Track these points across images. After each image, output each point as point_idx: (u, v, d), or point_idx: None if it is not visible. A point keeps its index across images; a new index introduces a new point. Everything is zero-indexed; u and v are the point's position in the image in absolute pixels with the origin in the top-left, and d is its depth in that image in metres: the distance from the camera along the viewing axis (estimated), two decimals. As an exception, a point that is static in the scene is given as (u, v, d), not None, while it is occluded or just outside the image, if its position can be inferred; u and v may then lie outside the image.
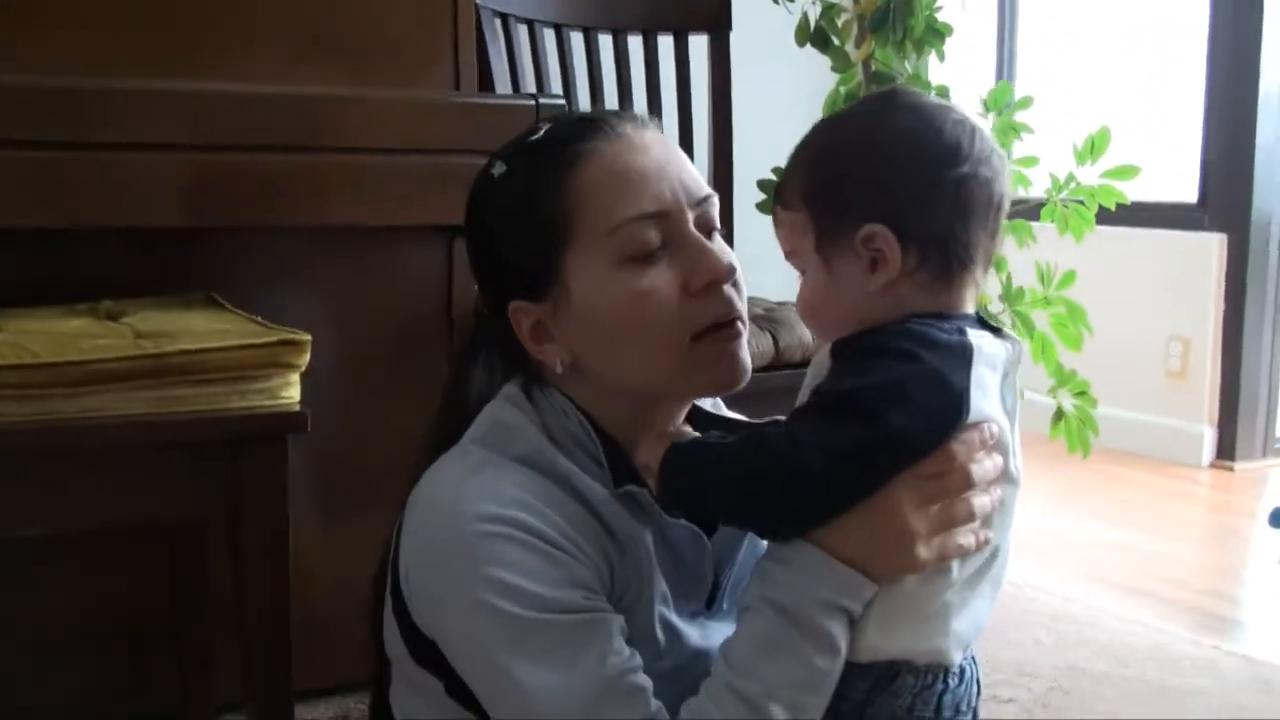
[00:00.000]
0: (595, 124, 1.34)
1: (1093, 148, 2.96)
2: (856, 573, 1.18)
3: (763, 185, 3.02)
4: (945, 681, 1.25)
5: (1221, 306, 4.62)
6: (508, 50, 2.81)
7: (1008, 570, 1.34)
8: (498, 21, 2.77)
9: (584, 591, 1.23)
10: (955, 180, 1.21)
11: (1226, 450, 4.63)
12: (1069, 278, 2.99)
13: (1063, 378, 3.05)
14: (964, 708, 1.28)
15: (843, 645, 1.19)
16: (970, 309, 1.28)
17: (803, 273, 1.29)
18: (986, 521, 1.25)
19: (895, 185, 1.21)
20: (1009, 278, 2.99)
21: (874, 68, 2.93)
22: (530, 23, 2.85)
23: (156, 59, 2.26)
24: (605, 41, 2.94)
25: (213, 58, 2.29)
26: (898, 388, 1.16)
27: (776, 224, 1.31)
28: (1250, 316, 4.56)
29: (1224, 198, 4.60)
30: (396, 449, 1.50)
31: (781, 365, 2.34)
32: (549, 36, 2.89)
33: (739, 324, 1.33)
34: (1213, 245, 4.60)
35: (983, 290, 1.31)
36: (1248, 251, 4.54)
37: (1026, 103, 3.04)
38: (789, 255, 1.30)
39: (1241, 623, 3.07)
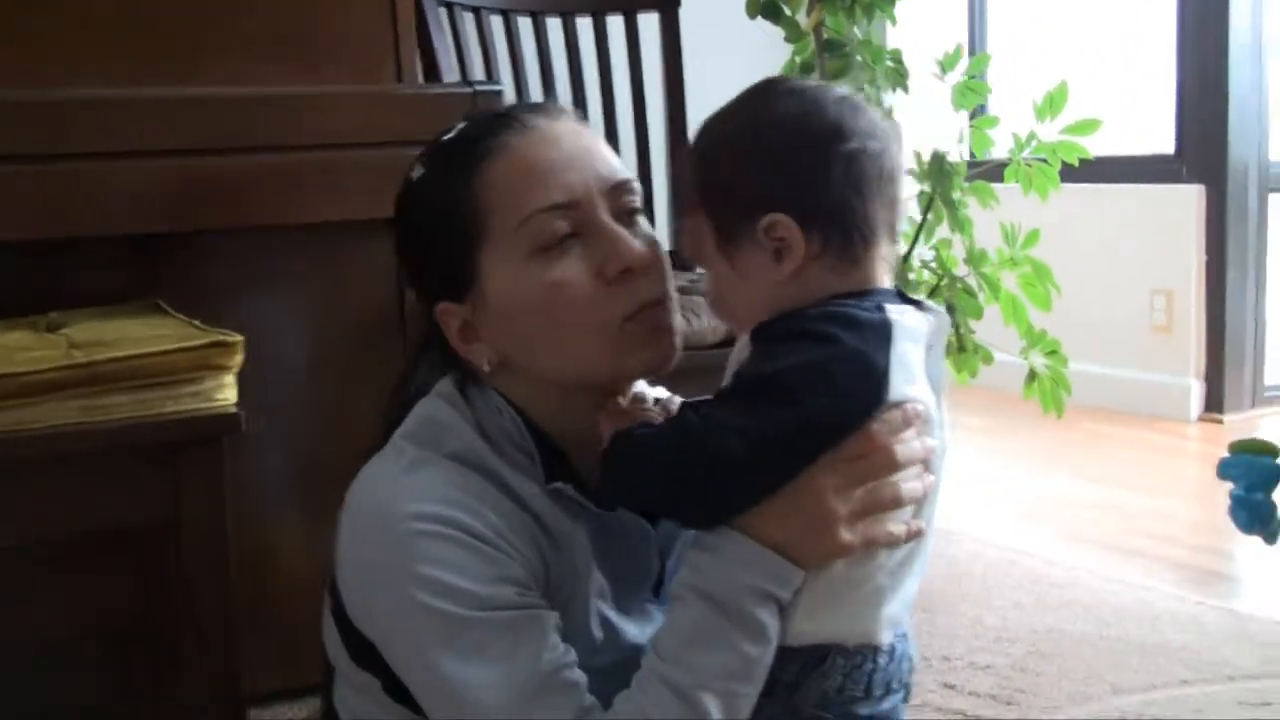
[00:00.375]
0: (505, 119, 1.34)
1: (1051, 104, 2.93)
2: (783, 559, 1.17)
3: (721, 160, 3.01)
4: (875, 660, 1.24)
5: (1203, 258, 4.59)
6: (455, 40, 2.79)
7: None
8: (443, 11, 2.75)
9: (517, 588, 1.23)
10: (845, 156, 1.20)
11: (1215, 403, 4.61)
12: (1033, 236, 2.98)
13: (1033, 338, 3.03)
14: (895, 685, 1.26)
15: (772, 632, 1.18)
16: (886, 283, 1.26)
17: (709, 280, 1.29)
18: (918, 510, 1.23)
19: (786, 171, 1.21)
20: (971, 240, 2.96)
21: (825, 35, 2.90)
22: (477, 10, 2.83)
23: (103, 67, 2.25)
24: (554, 25, 2.92)
25: (160, 63, 2.28)
26: (816, 369, 1.15)
27: (679, 232, 1.32)
28: (1232, 266, 4.53)
29: (1200, 148, 4.57)
30: (366, 445, 1.48)
31: (726, 344, 2.31)
32: (497, 23, 2.87)
33: (665, 304, 1.32)
34: (1191, 196, 4.57)
35: (894, 263, 1.29)
36: (1226, 201, 4.51)
37: (982, 63, 3.01)
38: (696, 261, 1.29)
39: (1231, 577, 3.05)
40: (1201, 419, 4.61)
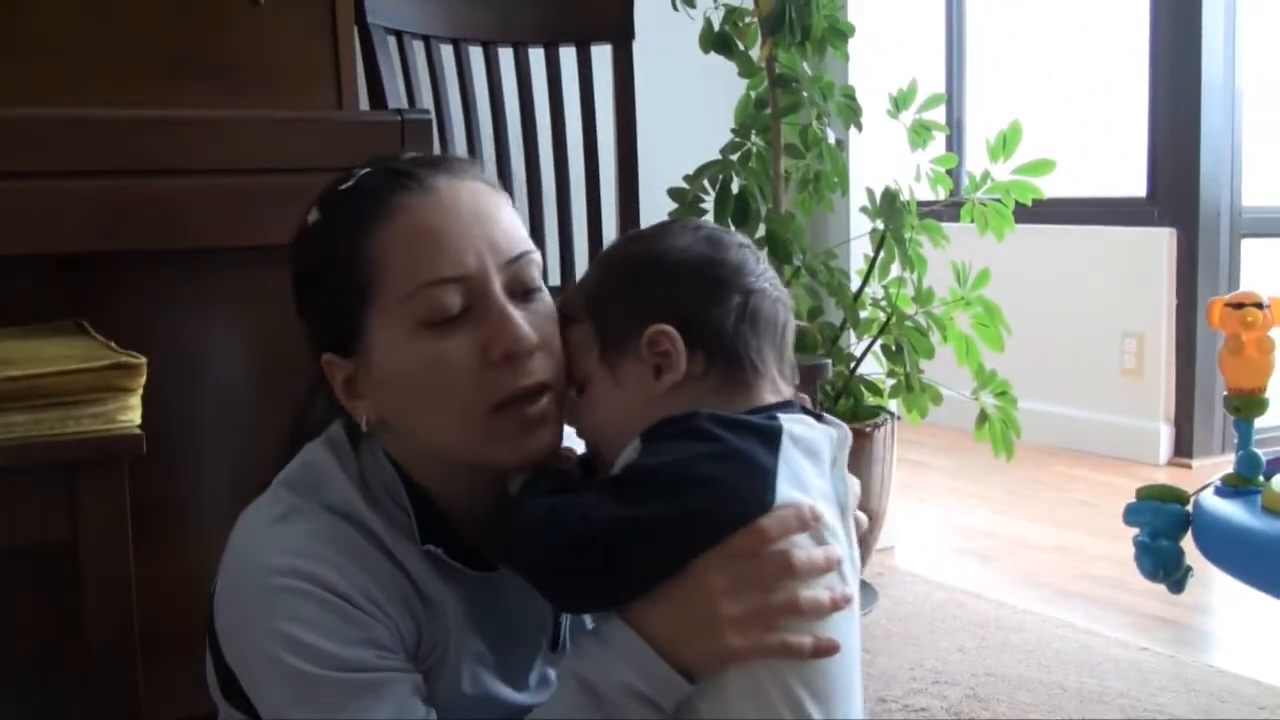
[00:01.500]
0: (404, 177, 1.29)
1: (1005, 143, 2.92)
2: (665, 664, 1.13)
3: (673, 193, 3.00)
4: None
5: (1174, 301, 4.58)
6: (404, 70, 2.78)
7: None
8: (391, 40, 2.74)
9: (377, 651, 1.21)
10: (743, 289, 1.23)
11: (1184, 447, 4.58)
12: (983, 277, 2.97)
13: (984, 379, 3.02)
14: None
15: None
16: (773, 400, 1.26)
17: (580, 392, 1.28)
18: (824, 622, 1.17)
19: (684, 291, 1.23)
20: (920, 278, 2.95)
21: (777, 70, 2.90)
22: (426, 39, 2.83)
23: (33, 85, 2.25)
24: (506, 55, 2.91)
25: (92, 82, 2.28)
26: (697, 464, 1.14)
27: (562, 342, 1.30)
28: (1204, 310, 4.50)
29: (1173, 191, 4.56)
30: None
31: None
32: (448, 53, 2.86)
33: (545, 392, 1.28)
34: (1163, 239, 4.56)
35: (790, 394, 1.28)
36: (1198, 245, 4.50)
37: (936, 101, 3.01)
38: (572, 369, 1.29)
39: (1177, 623, 3.03)
40: (1171, 463, 4.59)
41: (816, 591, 1.16)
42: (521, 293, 1.29)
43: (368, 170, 1.33)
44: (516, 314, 1.26)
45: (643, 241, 1.31)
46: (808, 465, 1.19)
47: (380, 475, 1.31)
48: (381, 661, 1.20)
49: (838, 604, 1.17)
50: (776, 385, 1.26)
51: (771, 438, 1.17)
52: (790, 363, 1.28)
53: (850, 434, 1.26)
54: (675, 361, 1.21)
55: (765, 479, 1.15)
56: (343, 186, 1.32)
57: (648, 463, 1.16)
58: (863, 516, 1.30)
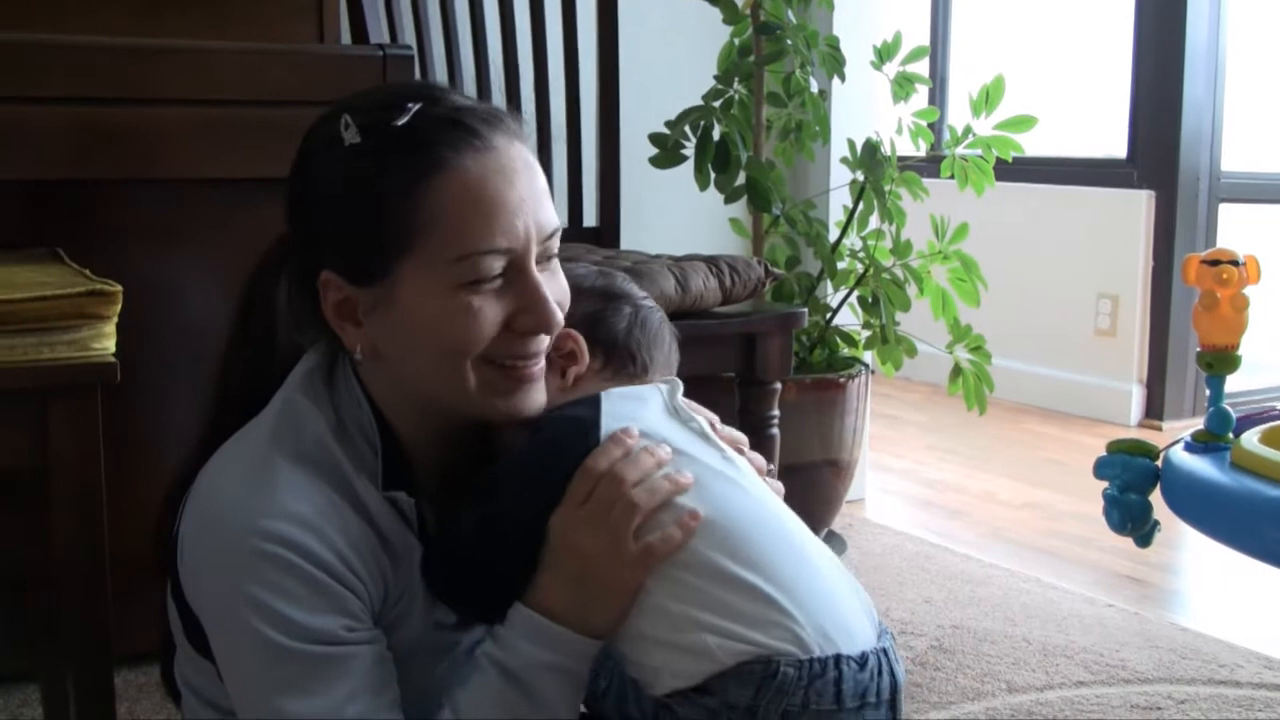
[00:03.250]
0: (467, 131, 1.24)
1: (988, 98, 2.92)
2: (567, 630, 1.21)
3: (654, 139, 3.00)
4: (840, 669, 1.21)
5: (1150, 264, 4.60)
6: (386, 3, 2.76)
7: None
8: (375, -27, 2.72)
9: (348, 622, 1.21)
10: (634, 304, 1.44)
11: (1155, 409, 4.61)
12: (961, 231, 2.97)
13: (959, 333, 3.03)
14: (872, 698, 1.23)
15: (563, 705, 1.22)
16: None
17: None
18: (669, 508, 1.24)
19: (586, 304, 1.40)
20: (899, 231, 2.96)
21: (761, 18, 2.89)
22: (410, -26, 2.81)
23: (13, 10, 2.23)
24: (490, -5, 2.89)
25: (72, 8, 2.26)
26: (531, 442, 1.30)
27: None
28: (1179, 274, 4.51)
29: (1152, 155, 4.57)
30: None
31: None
32: (430, -12, 2.84)
33: (537, 369, 1.30)
34: (1141, 201, 4.57)
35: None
36: (1176, 208, 4.51)
37: (920, 53, 3.00)
38: None
39: (1143, 581, 3.05)
40: (1142, 425, 4.62)
41: (659, 484, 1.24)
42: (545, 260, 1.29)
43: (421, 109, 1.25)
44: (549, 294, 1.27)
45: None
46: (635, 408, 1.32)
47: (355, 411, 1.30)
48: (349, 634, 1.20)
49: (678, 486, 1.24)
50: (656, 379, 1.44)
51: (593, 399, 1.32)
52: (673, 358, 1.45)
53: (680, 383, 1.41)
54: (580, 358, 1.37)
55: (587, 427, 1.28)
56: (397, 121, 1.23)
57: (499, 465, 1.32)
58: (759, 458, 1.42)
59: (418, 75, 2.45)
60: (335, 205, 1.26)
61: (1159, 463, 1.70)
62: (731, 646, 1.19)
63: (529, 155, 1.29)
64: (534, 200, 1.26)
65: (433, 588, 1.28)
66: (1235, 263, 1.64)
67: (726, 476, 1.29)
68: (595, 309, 1.40)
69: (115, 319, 1.75)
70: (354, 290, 1.26)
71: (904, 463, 4.07)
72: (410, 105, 1.24)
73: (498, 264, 1.23)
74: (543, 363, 1.31)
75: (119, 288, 1.74)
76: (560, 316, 1.28)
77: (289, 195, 1.31)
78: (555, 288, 1.29)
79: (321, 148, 1.27)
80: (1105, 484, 1.77)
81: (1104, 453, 1.75)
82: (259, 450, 1.26)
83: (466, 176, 1.22)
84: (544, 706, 1.21)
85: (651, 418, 1.32)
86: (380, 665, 1.23)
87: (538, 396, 1.31)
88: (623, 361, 1.40)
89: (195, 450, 1.37)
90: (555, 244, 1.30)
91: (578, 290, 1.37)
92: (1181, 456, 1.66)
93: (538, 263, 1.27)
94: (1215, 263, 1.65)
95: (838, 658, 1.21)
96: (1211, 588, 3.07)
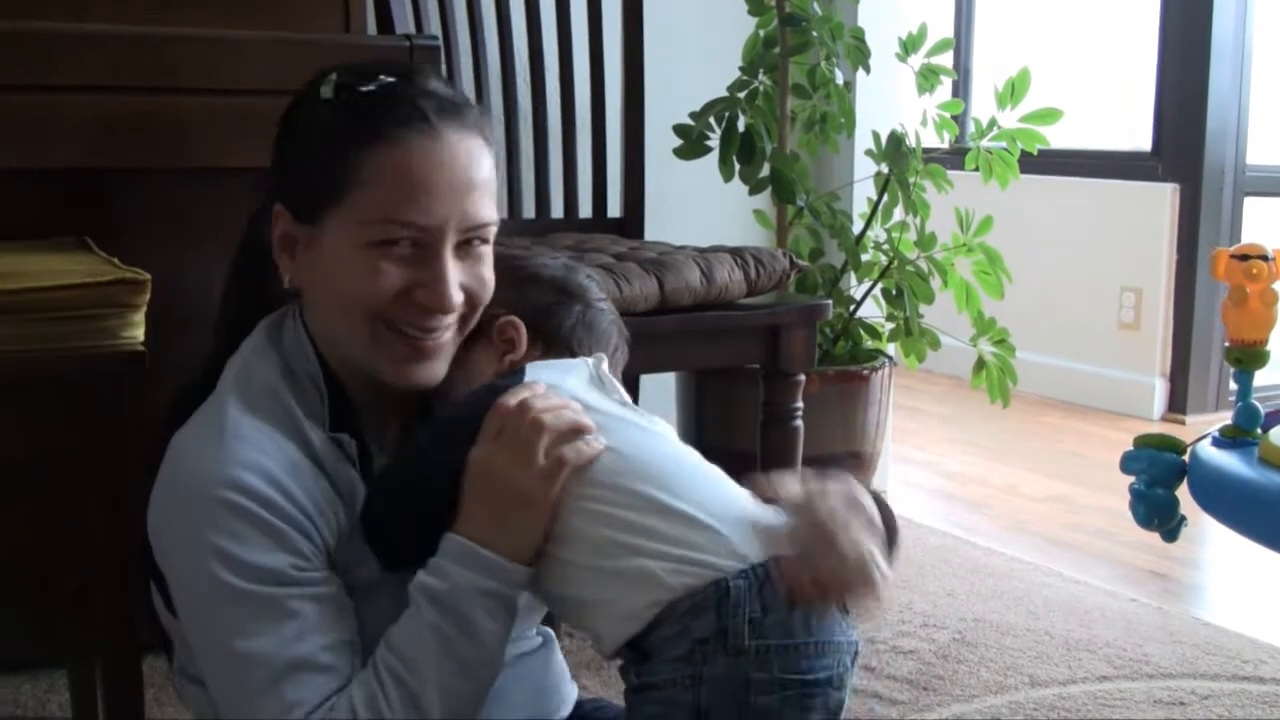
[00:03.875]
0: (418, 114, 1.34)
1: (1013, 91, 2.91)
2: (495, 555, 1.25)
3: (679, 130, 2.99)
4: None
5: (1174, 257, 4.58)
6: (412, -7, 2.77)
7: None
8: (400, -37, 2.72)
9: (297, 561, 1.27)
10: (585, 303, 1.50)
11: (1179, 403, 4.59)
12: (986, 224, 2.96)
13: (983, 326, 3.02)
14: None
15: (488, 635, 1.26)
16: None
17: None
18: (577, 436, 1.30)
19: (537, 295, 1.48)
20: (924, 224, 2.95)
21: (787, 9, 2.88)
22: (436, -37, 2.80)
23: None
24: (515, -16, 2.89)
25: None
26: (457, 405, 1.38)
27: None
28: (1203, 268, 4.51)
29: (1177, 147, 4.55)
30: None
31: (668, 310, 2.30)
32: (457, -23, 2.84)
33: (431, 343, 1.38)
34: (1166, 195, 4.55)
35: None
36: (1200, 201, 4.49)
37: (945, 45, 2.99)
38: None
39: (1166, 576, 3.05)
40: (1164, 419, 4.60)
41: (562, 413, 1.30)
42: (467, 245, 1.37)
43: (392, 84, 1.36)
44: (453, 278, 1.35)
45: (519, 258, 1.55)
46: (558, 376, 1.38)
47: (300, 358, 1.38)
48: (298, 574, 1.26)
49: (579, 427, 1.29)
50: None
51: (518, 370, 1.39)
52: (621, 353, 1.53)
53: (605, 356, 1.45)
54: (518, 346, 1.44)
55: (506, 386, 1.34)
56: (365, 88, 1.35)
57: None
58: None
59: (443, 66, 2.44)
60: (297, 147, 1.39)
61: (1186, 458, 1.70)
62: (680, 571, 1.22)
63: (479, 152, 1.37)
64: (464, 191, 1.34)
65: (365, 534, 1.32)
66: (1265, 257, 1.64)
67: (641, 428, 1.34)
68: (547, 302, 1.48)
69: (144, 308, 1.76)
70: (294, 226, 1.37)
71: (926, 455, 4.06)
72: (383, 78, 1.36)
73: (407, 235, 1.32)
74: (443, 339, 1.38)
75: (148, 276, 1.75)
76: (458, 300, 1.35)
77: (278, 132, 1.43)
78: (471, 275, 1.37)
79: (304, 98, 1.40)
80: (1131, 478, 1.77)
81: (1130, 447, 1.75)
82: (219, 403, 1.34)
83: (402, 153, 1.32)
84: (476, 634, 1.25)
85: (574, 385, 1.38)
86: (329, 606, 1.28)
87: (433, 369, 1.39)
88: (560, 355, 1.47)
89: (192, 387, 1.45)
90: (484, 235, 1.38)
91: (535, 279, 1.49)
92: (1209, 452, 1.65)
93: (457, 248, 1.35)
94: (1244, 257, 1.64)
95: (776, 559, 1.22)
96: (1235, 583, 3.06)
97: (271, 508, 1.26)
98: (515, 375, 1.38)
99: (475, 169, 1.36)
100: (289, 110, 1.42)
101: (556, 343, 1.47)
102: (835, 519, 1.23)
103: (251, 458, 1.28)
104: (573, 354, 1.47)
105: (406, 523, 1.31)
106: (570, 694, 1.55)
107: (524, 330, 1.45)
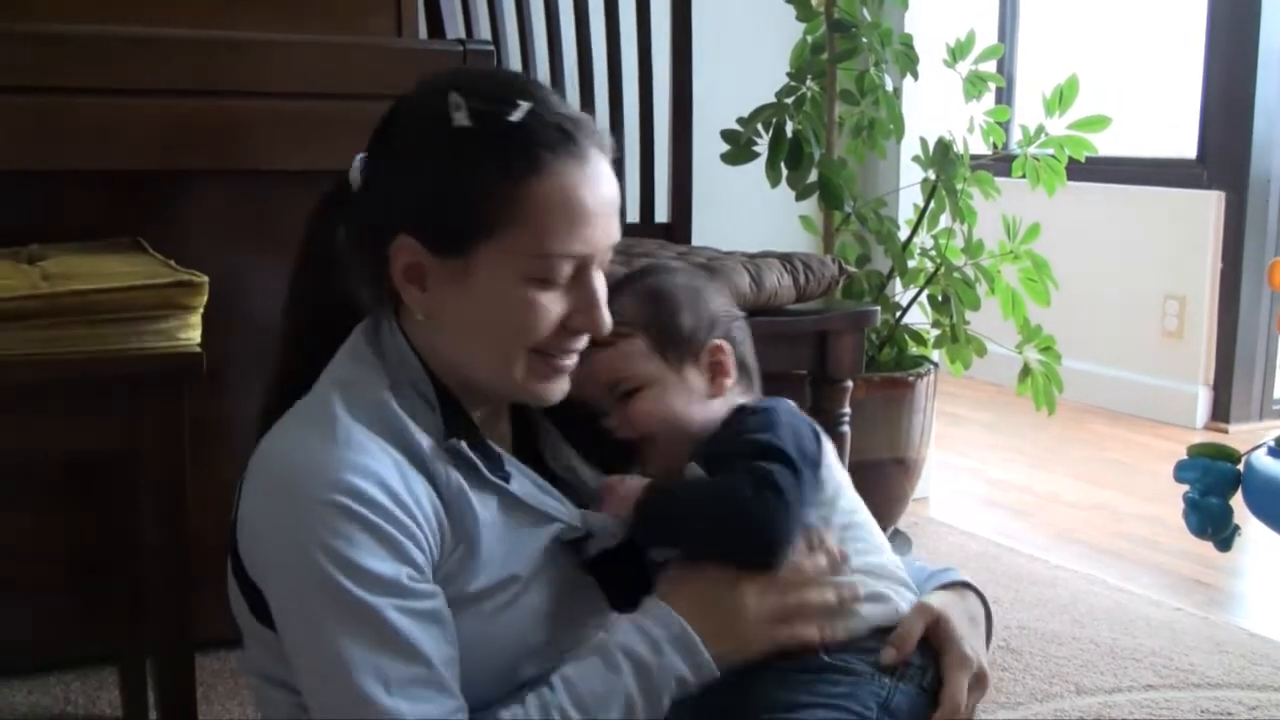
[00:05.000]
0: (569, 139, 1.30)
1: (1061, 98, 2.91)
2: (710, 660, 1.29)
3: (726, 135, 3.00)
4: None
5: (1219, 265, 4.55)
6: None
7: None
8: (450, -33, 2.73)
9: (411, 571, 1.24)
10: (741, 319, 1.55)
11: (1222, 412, 4.57)
12: (1033, 231, 2.95)
13: (1029, 333, 3.01)
14: None
15: (661, 712, 1.28)
16: None
17: (632, 392, 1.45)
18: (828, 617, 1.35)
19: (724, 319, 1.52)
20: (971, 230, 2.95)
21: (835, 15, 2.88)
22: (486, -32, 2.82)
23: (101, 3, 2.26)
24: (564, -11, 2.90)
25: (156, 2, 2.29)
26: (794, 430, 1.40)
27: (599, 356, 1.44)
28: (1248, 276, 4.49)
29: (1223, 155, 4.52)
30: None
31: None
32: (506, -17, 2.86)
33: (566, 366, 1.38)
34: (1211, 203, 4.52)
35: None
36: (1246, 209, 4.47)
37: (994, 52, 2.99)
38: (618, 380, 1.46)
39: (1211, 585, 3.03)
40: (1207, 427, 4.58)
41: (825, 594, 1.34)
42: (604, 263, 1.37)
43: (532, 108, 1.30)
44: (604, 301, 1.35)
45: (675, 276, 1.54)
46: (804, 426, 1.44)
47: (406, 369, 1.35)
48: (411, 584, 1.23)
49: (845, 602, 1.35)
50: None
51: (767, 408, 1.44)
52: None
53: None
54: (728, 368, 1.48)
55: (815, 429, 1.43)
56: (510, 117, 1.29)
57: (774, 438, 1.37)
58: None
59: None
60: (432, 178, 1.31)
61: (1241, 467, 1.70)
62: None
63: (610, 169, 1.35)
64: (610, 213, 1.33)
65: (656, 524, 1.36)
66: (1321, 268, 1.63)
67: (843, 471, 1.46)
68: (728, 323, 1.51)
69: (201, 310, 1.78)
70: (429, 258, 1.31)
71: (969, 462, 4.06)
72: (521, 103, 1.30)
73: (569, 267, 1.31)
74: (576, 357, 1.38)
75: (205, 279, 1.77)
76: (610, 324, 1.36)
77: (375, 153, 1.37)
78: (603, 292, 1.36)
79: (428, 121, 1.31)
80: (1184, 487, 1.77)
81: (1179, 456, 1.75)
82: (319, 412, 1.31)
83: (561, 182, 1.28)
84: (656, 712, 1.28)
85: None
86: (442, 620, 1.25)
87: (565, 385, 1.38)
88: (745, 373, 1.52)
89: (267, 400, 1.42)
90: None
91: (710, 300, 1.51)
92: (1265, 461, 1.65)
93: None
94: (1301, 267, 1.64)
95: None
96: (1279, 593, 3.05)
97: (387, 515, 1.23)
98: (769, 408, 1.42)
99: (613, 187, 1.34)
100: (400, 131, 1.35)
101: (742, 361, 1.51)
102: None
103: (364, 463, 1.25)
104: (749, 370, 1.52)
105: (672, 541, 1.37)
106: None
107: (733, 356, 1.48)
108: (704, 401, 1.47)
